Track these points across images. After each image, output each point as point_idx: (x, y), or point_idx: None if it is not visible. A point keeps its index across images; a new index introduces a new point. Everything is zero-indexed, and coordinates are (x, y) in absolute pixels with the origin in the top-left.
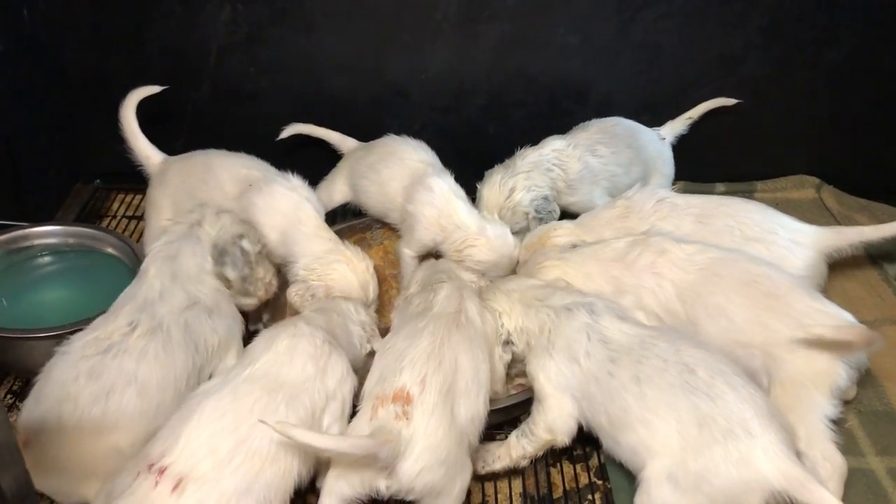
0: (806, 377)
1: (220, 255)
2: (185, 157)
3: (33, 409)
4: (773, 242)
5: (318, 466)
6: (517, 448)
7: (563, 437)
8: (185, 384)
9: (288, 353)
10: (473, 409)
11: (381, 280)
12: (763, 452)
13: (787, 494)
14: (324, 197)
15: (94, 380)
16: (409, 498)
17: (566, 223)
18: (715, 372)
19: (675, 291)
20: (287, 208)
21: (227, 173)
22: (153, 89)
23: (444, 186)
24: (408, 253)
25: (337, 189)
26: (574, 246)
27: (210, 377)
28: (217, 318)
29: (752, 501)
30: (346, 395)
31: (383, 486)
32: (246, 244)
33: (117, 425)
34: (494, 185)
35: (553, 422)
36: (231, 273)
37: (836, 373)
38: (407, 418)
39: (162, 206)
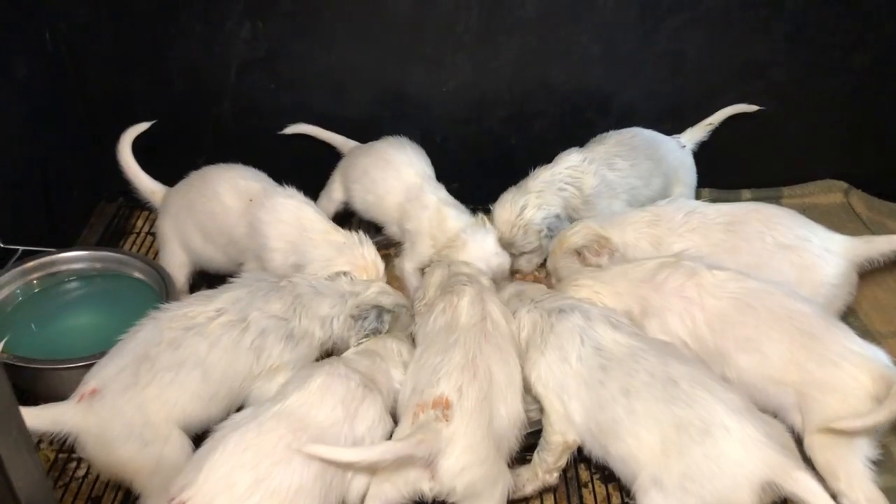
0: (841, 417)
1: (358, 312)
2: (184, 181)
3: (109, 362)
4: (806, 250)
5: None
6: (541, 463)
7: (573, 435)
8: (240, 385)
9: (319, 393)
10: (513, 412)
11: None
12: (741, 445)
13: (773, 484)
14: (324, 200)
15: (173, 349)
16: (452, 500)
17: (587, 221)
18: (696, 382)
19: (703, 318)
20: (291, 218)
21: (225, 185)
22: (143, 126)
23: (436, 199)
24: (409, 267)
25: (334, 189)
26: (589, 245)
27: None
28: (289, 347)
29: (744, 497)
30: (375, 440)
31: (427, 487)
32: (387, 319)
33: (177, 400)
34: (506, 203)
35: (556, 422)
36: (359, 328)
37: None
38: (447, 420)
39: (166, 234)
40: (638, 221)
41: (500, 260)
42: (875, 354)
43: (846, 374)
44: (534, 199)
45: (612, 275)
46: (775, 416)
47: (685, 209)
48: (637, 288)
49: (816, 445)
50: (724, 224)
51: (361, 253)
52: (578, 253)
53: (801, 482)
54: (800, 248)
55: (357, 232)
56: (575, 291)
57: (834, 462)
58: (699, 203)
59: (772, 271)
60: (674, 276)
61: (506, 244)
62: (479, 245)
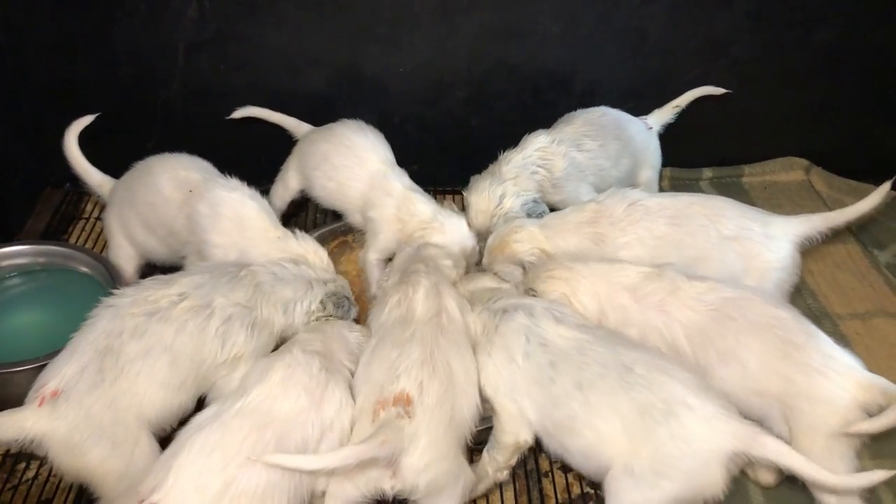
0: (832, 427)
1: (329, 297)
2: (128, 172)
3: (68, 360)
4: (748, 238)
5: (313, 500)
6: (491, 462)
7: (525, 435)
8: (205, 372)
9: (282, 385)
10: (472, 406)
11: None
12: (706, 421)
13: (741, 454)
14: (280, 188)
15: (138, 338)
16: (414, 497)
17: (529, 225)
18: (651, 366)
19: (682, 332)
20: (231, 213)
21: (165, 176)
22: (87, 119)
23: (401, 186)
24: (372, 257)
25: (290, 176)
26: (534, 262)
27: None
28: (252, 336)
29: (714, 472)
30: (344, 424)
31: (388, 485)
32: (353, 312)
33: (146, 391)
34: (483, 192)
35: (507, 422)
36: (329, 311)
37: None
38: (409, 417)
39: (112, 226)
40: (579, 223)
41: (474, 243)
42: (853, 362)
43: (833, 383)
44: (511, 187)
45: (590, 272)
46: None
47: (626, 201)
48: (618, 294)
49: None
50: (669, 217)
51: (299, 244)
52: (524, 267)
53: (769, 446)
54: (742, 238)
55: (294, 229)
56: (548, 284)
57: None
58: (640, 193)
59: (717, 263)
60: (657, 291)
61: (483, 234)
62: (457, 228)
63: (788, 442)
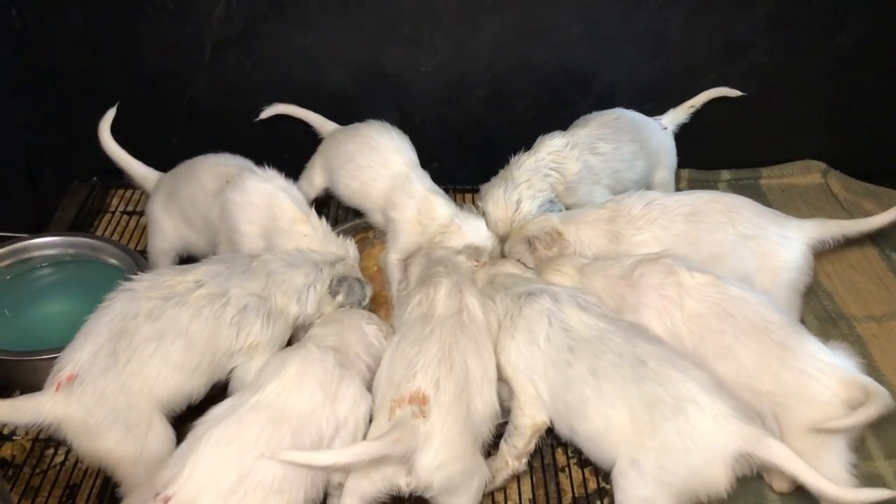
0: (817, 424)
1: (339, 282)
2: (176, 167)
3: (83, 343)
4: (765, 238)
5: (329, 491)
6: (510, 450)
7: (543, 416)
8: (220, 359)
9: (297, 380)
10: (488, 404)
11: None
12: (713, 419)
13: (746, 455)
14: (304, 184)
15: (153, 321)
16: (429, 495)
17: (552, 215)
18: (665, 361)
19: (682, 318)
20: (262, 202)
21: (205, 170)
22: (112, 113)
23: (422, 188)
24: (393, 258)
25: (315, 174)
26: (541, 237)
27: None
28: (268, 325)
29: (718, 470)
30: (359, 420)
31: (404, 482)
32: (368, 291)
33: (159, 373)
34: (499, 200)
35: (526, 404)
36: (340, 298)
37: None
38: (424, 416)
39: (154, 218)
40: (597, 219)
41: (493, 244)
42: (844, 363)
43: (821, 384)
44: (526, 191)
45: (593, 268)
46: None
47: (643, 200)
48: (614, 285)
49: (798, 453)
50: (685, 215)
51: (337, 245)
52: (530, 242)
53: (773, 449)
54: (759, 237)
55: (325, 222)
56: (555, 276)
57: (817, 469)
58: (657, 193)
59: (734, 261)
60: (651, 273)
61: (502, 239)
62: (475, 230)
63: (780, 438)
